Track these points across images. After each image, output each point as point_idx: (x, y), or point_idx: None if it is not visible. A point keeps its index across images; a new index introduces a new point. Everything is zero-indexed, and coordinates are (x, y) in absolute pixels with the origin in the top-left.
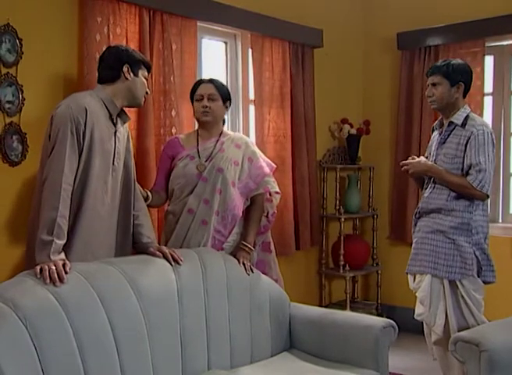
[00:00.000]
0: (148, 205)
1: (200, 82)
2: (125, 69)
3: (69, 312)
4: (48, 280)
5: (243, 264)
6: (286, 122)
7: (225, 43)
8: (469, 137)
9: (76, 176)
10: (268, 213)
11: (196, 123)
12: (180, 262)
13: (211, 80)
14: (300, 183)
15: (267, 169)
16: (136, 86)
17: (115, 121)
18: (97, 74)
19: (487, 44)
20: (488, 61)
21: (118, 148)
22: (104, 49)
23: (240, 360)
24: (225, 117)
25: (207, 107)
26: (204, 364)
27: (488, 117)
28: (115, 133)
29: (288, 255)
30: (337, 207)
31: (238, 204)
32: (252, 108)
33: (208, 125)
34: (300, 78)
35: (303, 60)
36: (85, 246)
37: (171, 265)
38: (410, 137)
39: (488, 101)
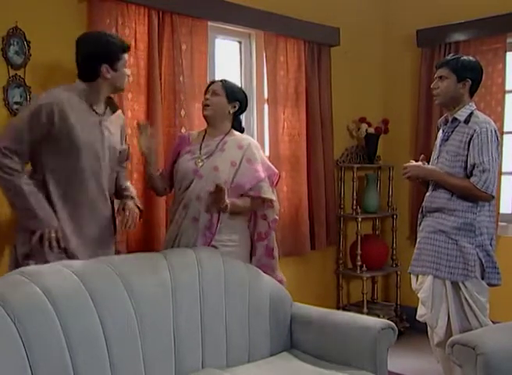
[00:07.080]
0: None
1: (213, 82)
2: (104, 69)
3: (58, 309)
4: None
5: None
6: (301, 121)
7: (240, 43)
8: (472, 135)
9: None
10: (269, 218)
11: (205, 122)
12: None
13: (222, 80)
14: (316, 182)
15: (262, 174)
16: (117, 80)
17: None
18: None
19: (509, 40)
20: (510, 57)
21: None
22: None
23: (236, 359)
24: (240, 118)
25: (207, 100)
26: (198, 363)
27: (510, 115)
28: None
29: (302, 254)
30: (354, 207)
31: None
32: (266, 107)
33: (211, 120)
34: (316, 77)
35: (319, 59)
36: None
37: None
38: (429, 136)
39: (510, 99)
